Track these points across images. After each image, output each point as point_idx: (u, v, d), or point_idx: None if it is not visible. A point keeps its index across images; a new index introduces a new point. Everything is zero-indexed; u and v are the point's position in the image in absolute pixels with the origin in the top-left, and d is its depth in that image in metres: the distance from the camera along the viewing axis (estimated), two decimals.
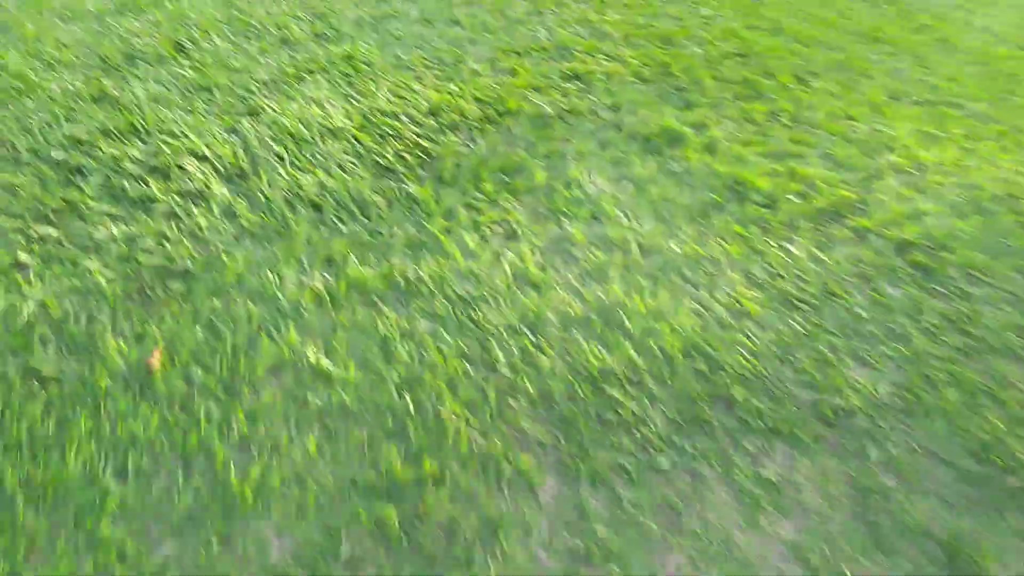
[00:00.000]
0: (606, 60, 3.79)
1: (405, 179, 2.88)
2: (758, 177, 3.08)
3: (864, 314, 2.54)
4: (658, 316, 2.44)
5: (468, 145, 3.09)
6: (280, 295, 2.39)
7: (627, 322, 2.41)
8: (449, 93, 3.36)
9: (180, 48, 3.44)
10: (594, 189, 2.94)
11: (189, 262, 2.45)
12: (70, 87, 3.07)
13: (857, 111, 3.63)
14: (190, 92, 3.16)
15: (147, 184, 2.70)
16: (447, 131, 3.14)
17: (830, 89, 3.81)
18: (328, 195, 2.75)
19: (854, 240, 2.86)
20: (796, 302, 2.55)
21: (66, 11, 3.62)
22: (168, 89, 3.16)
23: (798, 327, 2.46)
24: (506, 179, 2.94)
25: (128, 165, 2.75)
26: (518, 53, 3.75)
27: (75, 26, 3.50)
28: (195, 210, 2.63)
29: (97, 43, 3.38)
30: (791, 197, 3.01)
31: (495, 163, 2.99)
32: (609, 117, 3.35)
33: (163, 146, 2.84)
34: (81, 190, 2.65)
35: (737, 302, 2.52)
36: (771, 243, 2.78)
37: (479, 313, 2.39)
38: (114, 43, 3.39)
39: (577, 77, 3.62)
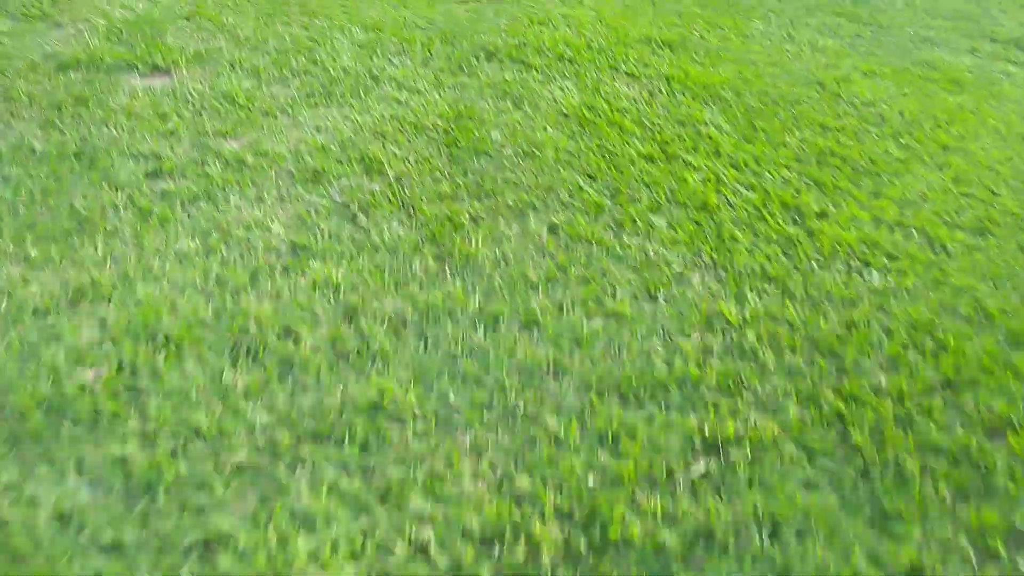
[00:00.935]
0: (752, 408, 2.56)
1: None
2: None
3: None
4: None
5: None
6: None
7: None
8: (515, 500, 2.19)
9: (130, 388, 2.37)
10: None
11: None
12: None
13: None
14: (122, 506, 2.06)
15: None
16: None
17: None
18: None
19: None
20: None
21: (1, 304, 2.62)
22: (93, 496, 2.07)
23: None
24: None
25: None
26: (623, 395, 2.56)
27: (2, 338, 2.49)
28: None
29: (17, 378, 2.33)
30: None
31: None
32: (763, 551, 2.13)
33: None
34: None
35: None
36: None
37: None
38: (38, 380, 2.33)
39: (712, 450, 2.40)
